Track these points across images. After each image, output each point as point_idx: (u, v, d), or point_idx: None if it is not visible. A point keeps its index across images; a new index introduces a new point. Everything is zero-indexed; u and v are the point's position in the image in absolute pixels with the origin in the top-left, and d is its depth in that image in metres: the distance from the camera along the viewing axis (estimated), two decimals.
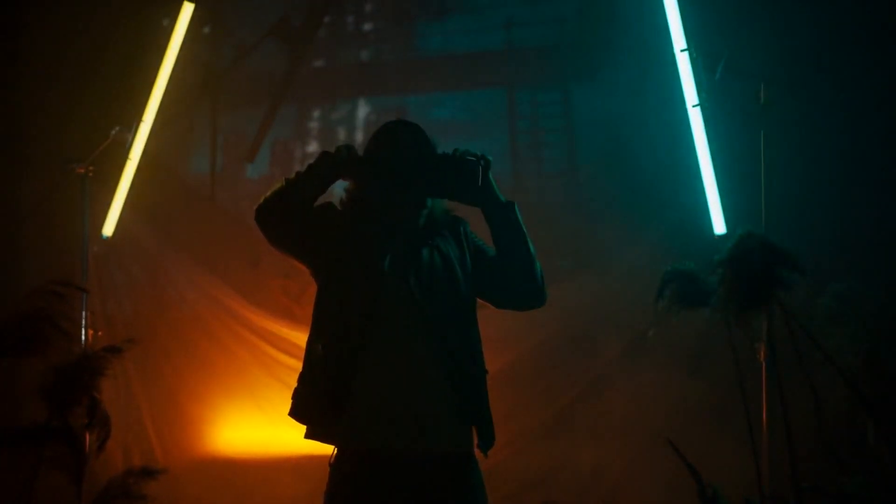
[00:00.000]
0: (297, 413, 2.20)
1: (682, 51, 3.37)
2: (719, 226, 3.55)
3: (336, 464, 2.18)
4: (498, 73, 4.80)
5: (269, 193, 2.21)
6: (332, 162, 2.21)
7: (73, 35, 4.44)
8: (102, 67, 4.42)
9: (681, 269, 2.09)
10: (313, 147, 5.24)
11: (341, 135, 5.19)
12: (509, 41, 4.86)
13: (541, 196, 4.53)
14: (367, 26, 5.20)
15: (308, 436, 2.19)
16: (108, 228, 4.32)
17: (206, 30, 5.05)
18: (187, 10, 4.33)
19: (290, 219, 2.18)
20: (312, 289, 2.32)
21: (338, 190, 2.28)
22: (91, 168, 4.06)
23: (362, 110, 5.15)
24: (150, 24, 4.45)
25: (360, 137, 4.99)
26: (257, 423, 4.51)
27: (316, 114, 5.23)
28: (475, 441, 2.19)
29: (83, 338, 4.06)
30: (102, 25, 4.45)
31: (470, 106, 5.05)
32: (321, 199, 2.23)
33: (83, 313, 4.04)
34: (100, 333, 4.16)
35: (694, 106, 3.39)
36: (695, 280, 2.06)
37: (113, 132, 4.00)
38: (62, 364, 1.75)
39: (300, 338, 4.29)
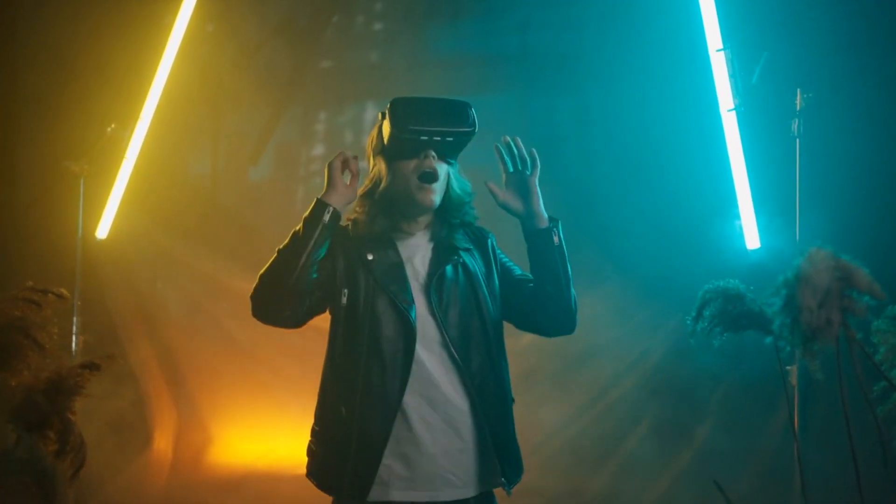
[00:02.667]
0: (318, 481, 2.01)
1: (717, 51, 3.16)
2: (753, 240, 3.33)
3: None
4: (511, 77, 4.61)
5: (263, 272, 1.98)
6: (327, 207, 1.97)
7: (69, 28, 4.25)
8: (99, 62, 4.22)
9: (724, 287, 1.88)
10: (319, 150, 5.05)
11: (348, 138, 5.02)
12: (523, 45, 4.69)
13: (554, 205, 4.31)
14: (377, 26, 5.02)
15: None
16: (103, 230, 4.14)
17: (210, 28, 4.85)
18: (188, 4, 4.16)
19: (297, 301, 1.96)
20: None
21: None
22: (86, 167, 3.91)
23: (370, 113, 4.92)
24: (150, 18, 4.25)
25: (366, 141, 4.80)
26: (264, 431, 4.38)
27: (322, 116, 5.03)
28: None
29: (73, 346, 3.89)
30: (100, 19, 4.26)
31: (482, 112, 4.82)
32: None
33: (73, 319, 3.88)
34: (90, 340, 3.99)
35: (729, 110, 3.17)
36: (740, 300, 1.85)
37: (109, 129, 3.84)
38: (30, 382, 1.54)
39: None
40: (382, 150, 2.05)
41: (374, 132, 2.10)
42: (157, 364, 4.43)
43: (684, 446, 3.83)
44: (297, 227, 1.97)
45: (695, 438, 3.79)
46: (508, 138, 2.05)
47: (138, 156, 4.17)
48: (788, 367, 3.06)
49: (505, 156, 2.07)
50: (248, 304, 4.45)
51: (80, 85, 4.25)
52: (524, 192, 2.06)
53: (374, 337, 1.97)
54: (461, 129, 1.99)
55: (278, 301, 1.95)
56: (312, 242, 1.93)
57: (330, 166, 2.00)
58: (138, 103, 4.12)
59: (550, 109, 4.55)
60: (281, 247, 1.97)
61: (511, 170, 2.07)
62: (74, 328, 3.90)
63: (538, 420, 3.95)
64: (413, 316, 1.98)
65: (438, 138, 1.98)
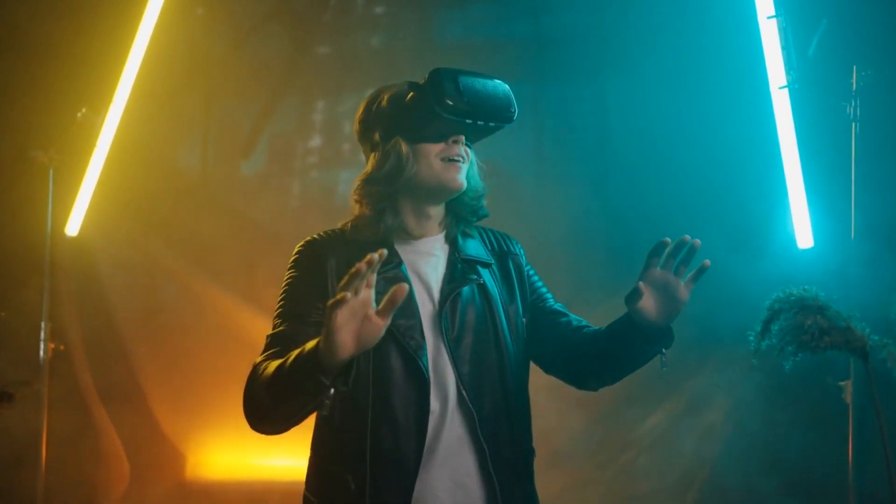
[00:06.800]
0: None
1: (768, 18, 2.77)
2: (805, 239, 2.94)
3: None
4: (523, 65, 4.32)
5: (249, 397, 1.59)
6: (327, 389, 1.44)
7: (35, 2, 3.92)
8: (69, 40, 3.87)
9: (799, 296, 1.50)
10: (316, 142, 4.76)
11: (347, 129, 4.73)
12: (536, 30, 4.40)
13: (569, 204, 4.02)
14: (379, 9, 4.71)
15: None
16: (73, 226, 3.82)
17: (200, 11, 4.56)
18: None
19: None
20: None
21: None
22: (55, 156, 3.61)
23: None
24: None
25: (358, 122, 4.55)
26: (245, 445, 4.09)
27: (320, 106, 4.73)
28: None
29: (41, 354, 3.58)
30: None
31: None
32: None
33: (42, 325, 3.58)
34: (61, 348, 3.70)
35: (781, 88, 2.78)
36: (821, 312, 1.47)
37: (79, 115, 3.54)
38: None
39: None
40: (403, 128, 1.69)
41: (374, 107, 1.75)
42: (131, 378, 4.12)
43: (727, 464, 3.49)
44: (283, 379, 1.48)
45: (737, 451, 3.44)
46: (689, 238, 1.60)
47: (113, 144, 3.83)
48: (842, 383, 2.70)
49: (666, 254, 1.61)
50: (233, 316, 4.20)
51: (48, 65, 3.89)
52: (670, 307, 1.63)
53: (381, 388, 1.63)
54: (506, 119, 1.70)
55: (275, 433, 1.61)
56: (306, 411, 1.52)
57: (331, 311, 1.38)
58: (112, 85, 3.79)
59: (567, 98, 4.24)
60: (264, 375, 1.54)
61: (661, 266, 1.62)
62: (43, 335, 3.59)
63: (565, 439, 3.62)
64: (425, 360, 1.63)
65: (482, 123, 1.68)
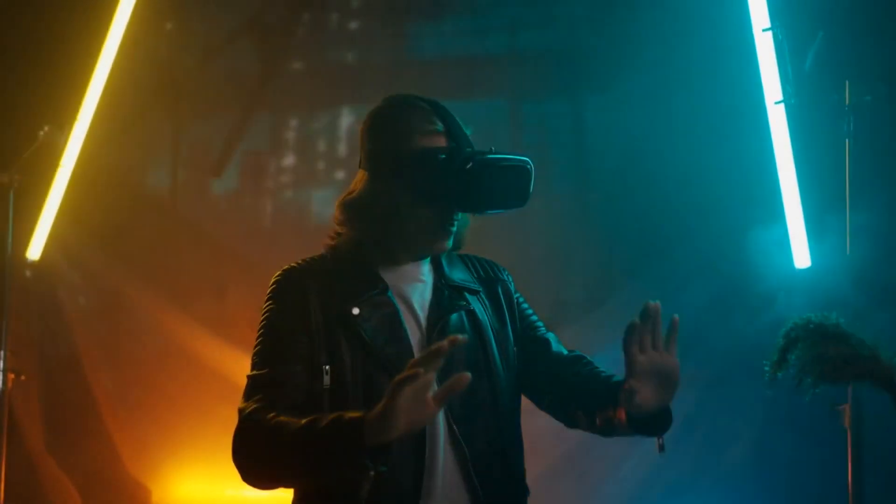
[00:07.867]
0: None
1: (764, 30, 2.72)
2: (802, 258, 2.88)
3: None
4: (500, 80, 4.27)
5: (251, 453, 1.47)
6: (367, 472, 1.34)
7: None
8: (32, 54, 3.79)
9: (818, 323, 1.41)
10: (289, 160, 4.69)
11: (321, 147, 4.65)
12: (513, 45, 4.37)
13: (547, 220, 3.96)
14: (353, 25, 4.65)
15: None
16: (35, 250, 3.73)
17: (169, 26, 4.49)
18: None
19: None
20: None
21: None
22: (16, 177, 3.51)
23: (346, 119, 4.58)
24: (94, 6, 3.83)
25: (342, 150, 4.46)
26: (215, 477, 3.94)
27: (293, 123, 4.66)
28: None
29: (0, 384, 3.45)
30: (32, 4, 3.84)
31: (468, 117, 4.46)
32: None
33: (1, 353, 3.46)
34: (22, 378, 3.57)
35: (776, 103, 2.73)
36: (844, 340, 1.38)
37: (42, 133, 3.45)
38: None
39: None
40: (416, 187, 1.57)
41: (397, 136, 1.60)
42: (93, 408, 4.01)
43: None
44: (313, 451, 1.38)
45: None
46: (651, 304, 1.46)
47: (78, 164, 3.75)
48: (840, 408, 2.62)
49: (637, 334, 1.47)
50: (202, 343, 4.12)
51: (8, 81, 3.81)
52: (666, 383, 1.49)
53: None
54: (516, 207, 1.64)
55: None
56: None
57: (399, 387, 1.29)
58: (77, 102, 3.71)
59: (544, 114, 4.23)
60: (280, 435, 1.42)
61: (642, 350, 1.47)
62: (2, 364, 3.48)
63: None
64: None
65: (490, 212, 1.63)
